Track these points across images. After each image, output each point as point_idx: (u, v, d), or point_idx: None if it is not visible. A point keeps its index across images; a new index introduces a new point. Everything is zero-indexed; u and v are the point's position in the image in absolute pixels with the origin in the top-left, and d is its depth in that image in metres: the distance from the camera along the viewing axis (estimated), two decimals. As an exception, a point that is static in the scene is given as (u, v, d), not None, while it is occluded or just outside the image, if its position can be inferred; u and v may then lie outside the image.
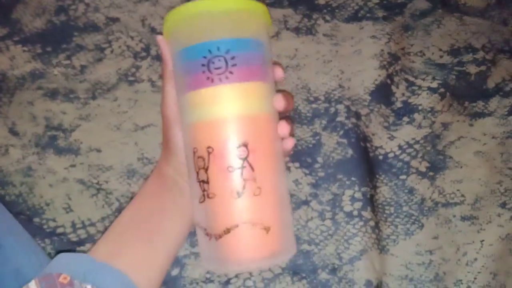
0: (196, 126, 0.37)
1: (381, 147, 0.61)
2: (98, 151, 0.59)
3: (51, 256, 0.53)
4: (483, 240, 0.56)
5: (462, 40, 0.66)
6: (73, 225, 0.55)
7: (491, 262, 0.55)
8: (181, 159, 0.40)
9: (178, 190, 0.42)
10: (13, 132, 0.59)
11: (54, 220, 0.55)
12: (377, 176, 0.59)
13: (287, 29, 0.67)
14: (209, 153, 0.36)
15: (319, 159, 0.59)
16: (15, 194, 0.56)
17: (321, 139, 0.60)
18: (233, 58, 0.36)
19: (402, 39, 0.67)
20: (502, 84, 0.64)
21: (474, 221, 0.57)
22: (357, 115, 0.62)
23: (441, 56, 0.65)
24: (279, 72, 0.40)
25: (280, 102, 0.38)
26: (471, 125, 0.62)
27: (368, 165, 0.59)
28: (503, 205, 0.58)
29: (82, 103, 0.61)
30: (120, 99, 0.62)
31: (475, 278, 0.55)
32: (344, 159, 0.59)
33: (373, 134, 0.61)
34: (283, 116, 0.39)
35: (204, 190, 0.37)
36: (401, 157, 0.60)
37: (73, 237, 0.54)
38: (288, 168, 0.58)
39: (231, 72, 0.36)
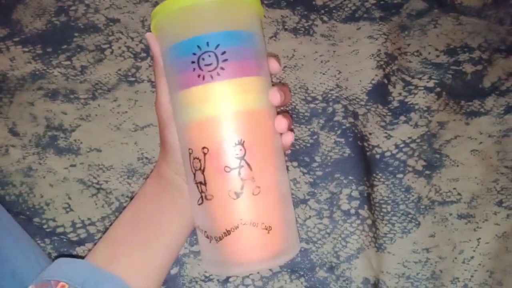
0: (190, 126, 0.35)
1: (378, 146, 0.61)
2: (98, 151, 0.59)
3: (51, 256, 0.53)
4: (479, 238, 0.56)
5: (458, 40, 0.67)
6: (73, 224, 0.55)
7: (488, 260, 0.55)
8: (178, 159, 0.39)
9: (177, 190, 0.41)
10: (14, 132, 0.60)
11: (54, 220, 0.55)
12: (374, 174, 0.60)
13: (285, 29, 0.67)
14: (204, 153, 0.35)
15: (317, 158, 0.60)
16: (15, 194, 0.56)
17: (319, 139, 0.61)
18: (223, 53, 0.34)
19: (398, 39, 0.67)
20: (498, 83, 0.64)
21: (471, 219, 0.57)
22: (355, 115, 0.62)
23: (437, 56, 0.66)
24: (274, 65, 0.38)
25: (275, 97, 0.36)
26: (467, 124, 0.62)
27: (365, 164, 0.59)
28: (500, 203, 0.58)
29: (82, 104, 0.62)
30: (120, 99, 0.62)
31: (471, 276, 0.55)
32: (342, 158, 0.59)
33: (370, 133, 0.62)
34: (280, 110, 0.38)
35: (201, 192, 0.35)
36: (397, 156, 0.60)
37: (73, 237, 0.55)
38: (286, 167, 0.58)
39: (222, 68, 0.34)
